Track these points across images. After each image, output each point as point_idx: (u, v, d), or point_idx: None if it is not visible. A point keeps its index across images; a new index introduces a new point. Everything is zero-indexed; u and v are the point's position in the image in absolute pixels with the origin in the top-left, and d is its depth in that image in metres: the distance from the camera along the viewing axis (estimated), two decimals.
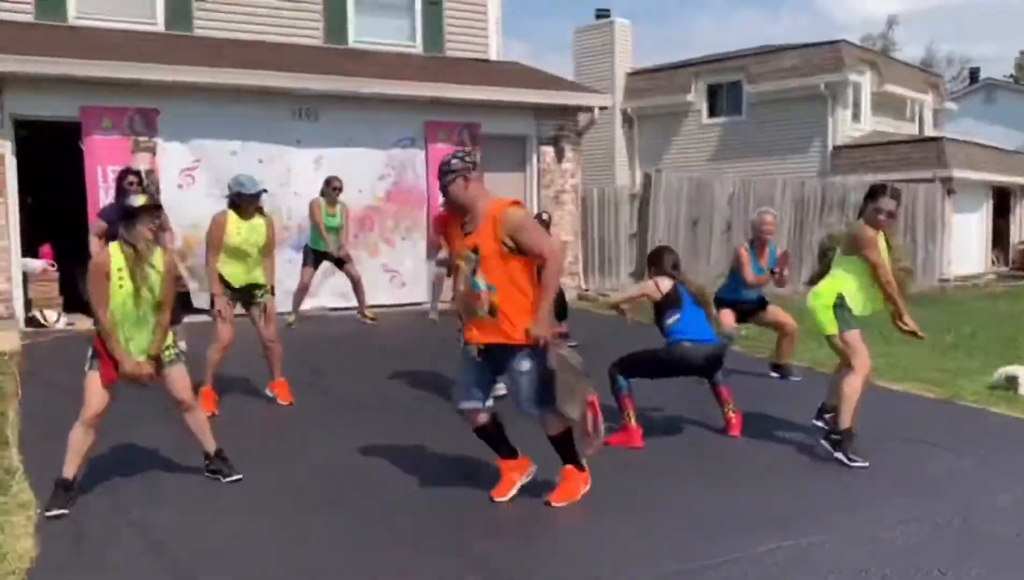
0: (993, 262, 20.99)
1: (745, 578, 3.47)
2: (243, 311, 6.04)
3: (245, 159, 9.85)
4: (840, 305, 4.96)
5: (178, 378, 4.50)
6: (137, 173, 7.86)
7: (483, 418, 4.25)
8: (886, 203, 4.92)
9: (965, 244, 18.82)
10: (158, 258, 4.33)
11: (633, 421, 5.21)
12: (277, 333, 6.14)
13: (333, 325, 9.55)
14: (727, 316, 6.99)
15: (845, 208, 15.58)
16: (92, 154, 9.27)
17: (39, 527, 3.97)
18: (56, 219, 10.23)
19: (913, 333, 4.98)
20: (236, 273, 5.89)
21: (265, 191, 5.95)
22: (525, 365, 4.00)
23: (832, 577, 3.47)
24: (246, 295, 5.97)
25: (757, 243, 7.05)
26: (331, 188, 9.14)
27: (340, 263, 9.42)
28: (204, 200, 9.10)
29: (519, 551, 3.80)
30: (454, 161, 4.05)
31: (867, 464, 4.78)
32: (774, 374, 7.24)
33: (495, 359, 4.08)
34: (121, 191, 7.67)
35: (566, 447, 4.24)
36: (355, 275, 9.50)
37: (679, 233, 14.06)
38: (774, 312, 7.12)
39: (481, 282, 3.96)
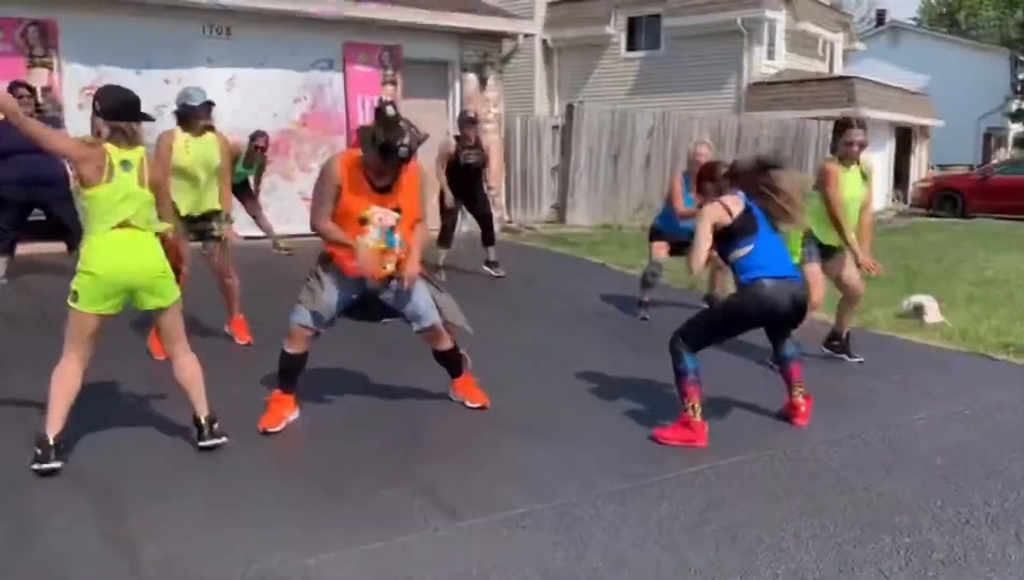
0: (895, 200, 21.88)
1: (678, 493, 3.57)
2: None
3: (151, 79, 9.29)
4: (808, 238, 5.19)
5: (170, 322, 3.95)
6: (27, 86, 7.33)
7: (309, 345, 4.24)
8: (855, 134, 5.27)
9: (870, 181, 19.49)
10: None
11: (698, 415, 4.12)
12: (233, 266, 5.70)
13: (249, 255, 9.22)
14: (659, 248, 7.02)
15: (759, 144, 15.88)
16: None
17: None
18: None
19: (867, 268, 5.22)
20: (187, 200, 5.38)
21: (212, 103, 5.43)
22: (418, 286, 4.26)
23: (762, 494, 3.60)
24: (201, 224, 5.50)
25: (692, 175, 7.05)
26: (254, 147, 8.71)
27: (243, 197, 9.01)
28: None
29: (464, 473, 3.79)
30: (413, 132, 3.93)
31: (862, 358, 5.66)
32: (705, 304, 7.40)
33: (374, 290, 4.20)
34: None
35: (455, 357, 4.54)
36: (255, 211, 9.16)
37: (600, 166, 14.12)
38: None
39: (397, 239, 4.07)
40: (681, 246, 7.11)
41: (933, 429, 4.47)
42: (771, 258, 4.15)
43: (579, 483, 3.67)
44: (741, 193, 4.25)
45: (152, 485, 3.58)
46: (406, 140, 3.85)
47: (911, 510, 3.47)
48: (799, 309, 4.21)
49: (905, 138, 22.19)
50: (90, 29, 9.01)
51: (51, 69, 8.94)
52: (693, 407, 4.11)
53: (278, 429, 4.21)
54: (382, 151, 3.86)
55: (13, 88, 7.00)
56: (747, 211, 4.18)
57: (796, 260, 5.03)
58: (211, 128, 5.51)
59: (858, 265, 5.39)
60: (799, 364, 4.49)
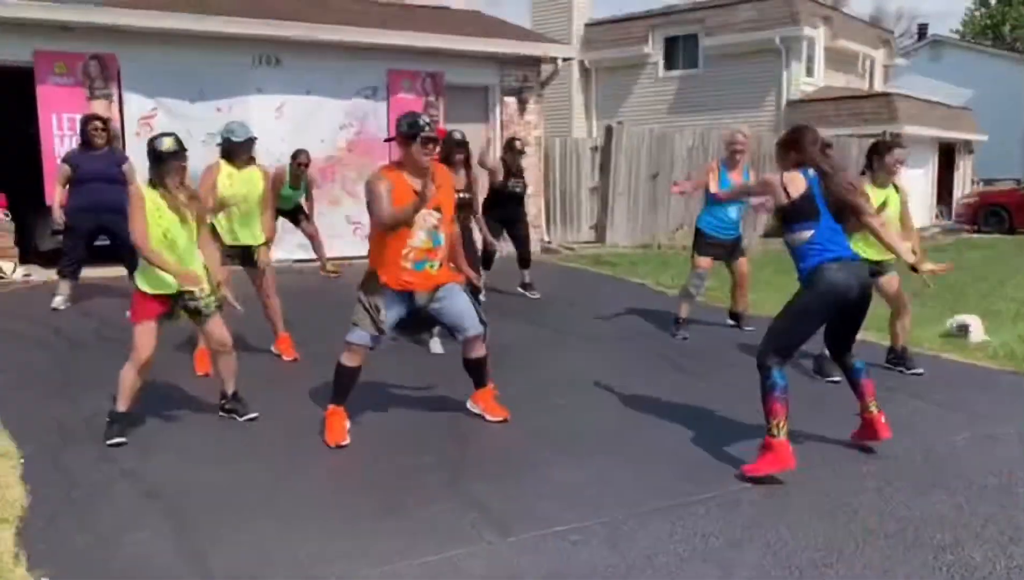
0: (938, 216, 21.63)
1: (723, 510, 3.66)
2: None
3: (204, 108, 9.66)
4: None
5: (217, 327, 4.63)
6: (102, 119, 7.70)
7: (364, 358, 4.48)
8: (898, 154, 5.64)
9: (912, 199, 19.32)
10: (183, 197, 4.45)
11: (782, 433, 3.96)
12: (275, 286, 5.97)
13: (297, 278, 9.50)
14: (703, 263, 7.09)
15: None
16: (45, 101, 9.00)
17: (25, 477, 3.97)
18: (9, 169, 9.93)
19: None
20: (228, 229, 5.69)
21: (254, 139, 5.71)
22: (462, 296, 4.59)
23: (806, 512, 3.68)
24: (243, 253, 5.79)
25: (730, 161, 7.13)
26: (296, 164, 8.88)
27: (296, 221, 9.29)
28: None
29: (512, 489, 3.93)
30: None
31: (922, 370, 5.91)
32: (730, 321, 7.49)
33: (422, 305, 4.47)
34: (85, 137, 7.52)
35: (484, 368, 4.77)
36: (311, 231, 9.40)
37: (639, 186, 14.23)
38: (741, 264, 7.25)
39: (442, 237, 4.44)
40: (725, 251, 7.19)
41: (977, 449, 4.50)
42: (832, 242, 4.01)
43: (624, 499, 3.78)
44: (807, 171, 4.06)
45: (218, 501, 3.77)
46: (425, 119, 4.31)
47: (954, 528, 3.52)
48: (866, 294, 4.09)
49: (948, 153, 21.95)
50: (147, 61, 9.40)
51: (110, 101, 9.32)
52: (777, 426, 3.97)
53: (346, 442, 4.39)
54: (410, 132, 4.25)
55: (88, 120, 7.39)
56: (808, 198, 4.00)
57: None
58: (253, 160, 5.78)
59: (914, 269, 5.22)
60: (870, 378, 4.36)
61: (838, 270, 3.95)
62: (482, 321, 4.61)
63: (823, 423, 4.67)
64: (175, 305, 4.53)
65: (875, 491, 3.91)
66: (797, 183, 4.02)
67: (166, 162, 4.38)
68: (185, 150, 4.46)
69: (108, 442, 4.33)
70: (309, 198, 9.19)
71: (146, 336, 4.42)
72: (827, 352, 5.46)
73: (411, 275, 4.39)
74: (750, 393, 4.38)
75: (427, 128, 4.27)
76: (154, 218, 4.37)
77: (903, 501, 3.78)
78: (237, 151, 5.64)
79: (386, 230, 4.31)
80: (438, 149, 4.50)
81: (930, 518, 3.62)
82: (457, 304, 4.55)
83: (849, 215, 4.13)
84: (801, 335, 4.13)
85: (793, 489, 3.91)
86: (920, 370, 5.95)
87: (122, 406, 4.46)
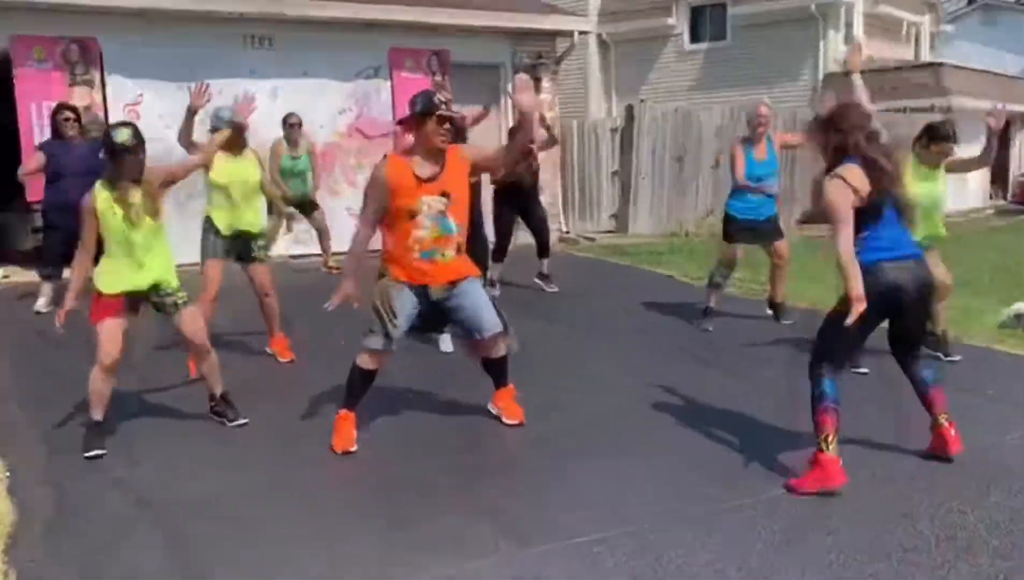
0: (992, 196, 21.49)
1: (759, 516, 3.68)
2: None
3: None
4: None
5: (189, 320, 4.68)
6: (72, 108, 7.78)
7: (379, 364, 4.54)
8: (947, 147, 5.68)
9: (964, 177, 19.22)
10: (136, 194, 4.45)
11: (831, 448, 3.89)
12: (273, 284, 6.05)
13: (296, 275, 9.57)
14: (732, 251, 7.10)
15: None
16: (24, 89, 9.10)
17: (12, 490, 4.05)
18: None
19: None
20: (225, 218, 5.76)
21: (242, 125, 5.66)
22: (486, 292, 4.66)
23: (850, 516, 3.70)
24: (241, 246, 5.86)
25: (754, 138, 7.11)
26: (288, 125, 9.07)
27: (305, 210, 9.42)
28: (152, 134, 9.00)
29: (529, 496, 3.98)
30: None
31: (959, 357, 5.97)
32: (769, 310, 7.46)
33: (438, 300, 4.50)
34: (56, 128, 7.61)
35: (504, 368, 4.81)
36: (322, 225, 9.51)
37: (664, 169, 14.21)
38: (780, 246, 7.20)
39: (452, 224, 4.43)
40: (757, 234, 7.17)
41: None
42: (893, 238, 3.95)
43: (651, 507, 3.81)
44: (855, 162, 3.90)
45: (214, 512, 3.83)
46: (441, 97, 4.37)
47: (1010, 532, 3.53)
48: (925, 295, 4.04)
49: (1003, 128, 21.77)
50: (131, 45, 9.49)
51: (92, 87, 9.41)
52: (826, 439, 3.88)
53: (354, 449, 4.45)
54: (425, 110, 4.30)
55: (59, 110, 7.46)
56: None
57: None
58: (245, 145, 5.84)
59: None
60: (941, 388, 4.26)
61: (892, 269, 3.90)
62: (503, 321, 4.64)
63: (860, 419, 4.66)
64: (138, 302, 4.58)
65: (924, 493, 3.92)
66: (861, 179, 3.86)
67: (120, 157, 4.36)
68: (142, 143, 4.43)
69: (86, 454, 4.37)
70: (315, 169, 9.29)
71: (108, 336, 4.45)
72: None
73: (423, 265, 4.42)
74: (783, 391, 4.41)
75: (443, 106, 4.32)
76: (107, 219, 4.41)
77: (954, 505, 3.79)
78: (230, 132, 5.60)
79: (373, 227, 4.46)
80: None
81: (984, 521, 3.63)
82: (475, 301, 4.57)
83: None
84: (853, 339, 4.01)
85: (836, 492, 3.93)
86: (958, 357, 6.00)
87: (96, 414, 4.52)
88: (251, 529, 3.66)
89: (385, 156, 4.77)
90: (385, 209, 4.40)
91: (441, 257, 4.44)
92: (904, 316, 4.08)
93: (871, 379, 5.54)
